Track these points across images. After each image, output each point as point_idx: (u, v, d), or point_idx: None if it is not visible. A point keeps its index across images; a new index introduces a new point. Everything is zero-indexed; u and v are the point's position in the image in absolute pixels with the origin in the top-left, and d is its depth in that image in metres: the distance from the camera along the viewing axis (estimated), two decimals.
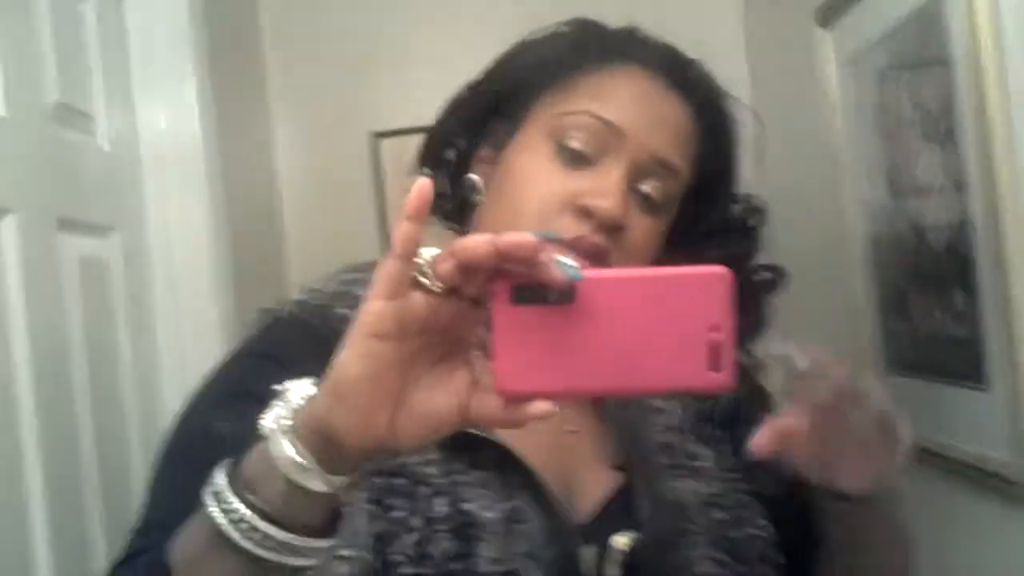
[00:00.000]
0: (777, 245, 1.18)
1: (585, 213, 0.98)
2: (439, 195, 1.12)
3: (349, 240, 2.05)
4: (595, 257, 0.97)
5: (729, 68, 1.15)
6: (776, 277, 1.15)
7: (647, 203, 1.03)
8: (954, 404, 1.41)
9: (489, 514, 0.92)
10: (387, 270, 0.67)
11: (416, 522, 0.91)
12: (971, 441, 1.37)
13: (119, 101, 1.70)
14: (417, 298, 0.67)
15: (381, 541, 0.90)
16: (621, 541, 0.96)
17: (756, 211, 1.15)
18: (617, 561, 0.96)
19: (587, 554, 0.95)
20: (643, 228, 1.02)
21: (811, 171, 1.84)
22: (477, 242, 0.65)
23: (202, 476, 0.78)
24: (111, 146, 1.66)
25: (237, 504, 0.72)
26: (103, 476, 1.51)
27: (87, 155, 1.59)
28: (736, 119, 1.12)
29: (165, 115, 1.77)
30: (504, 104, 1.08)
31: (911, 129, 1.45)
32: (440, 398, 0.69)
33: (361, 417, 0.68)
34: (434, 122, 1.15)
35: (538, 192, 1.00)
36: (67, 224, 1.47)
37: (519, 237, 0.65)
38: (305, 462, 0.70)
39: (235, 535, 0.72)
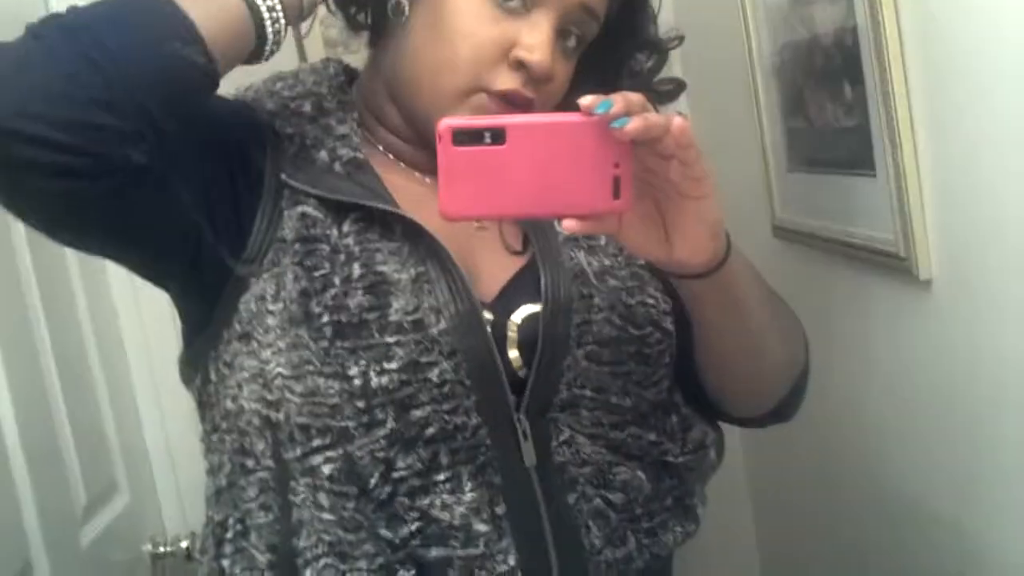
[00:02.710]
0: (686, 51, 1.25)
1: (519, 65, 1.04)
2: (352, 17, 1.17)
3: None
4: (524, 108, 1.05)
5: None
6: (675, 88, 1.24)
7: (568, 49, 1.10)
8: (848, 192, 1.51)
9: (399, 275, 1.03)
10: None
11: (335, 280, 1.02)
12: (863, 225, 1.47)
13: None
14: None
15: (304, 295, 1.02)
16: (524, 309, 1.07)
17: (663, 41, 1.21)
18: (516, 324, 1.06)
19: (489, 317, 1.05)
20: (563, 73, 1.10)
21: None
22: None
23: None
24: None
25: None
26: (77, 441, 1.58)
27: None
28: None
29: None
30: None
31: None
32: None
33: None
34: None
35: (475, 37, 1.05)
36: None
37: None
38: None
39: None
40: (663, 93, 1.23)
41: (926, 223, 1.31)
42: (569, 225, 0.87)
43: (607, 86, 0.95)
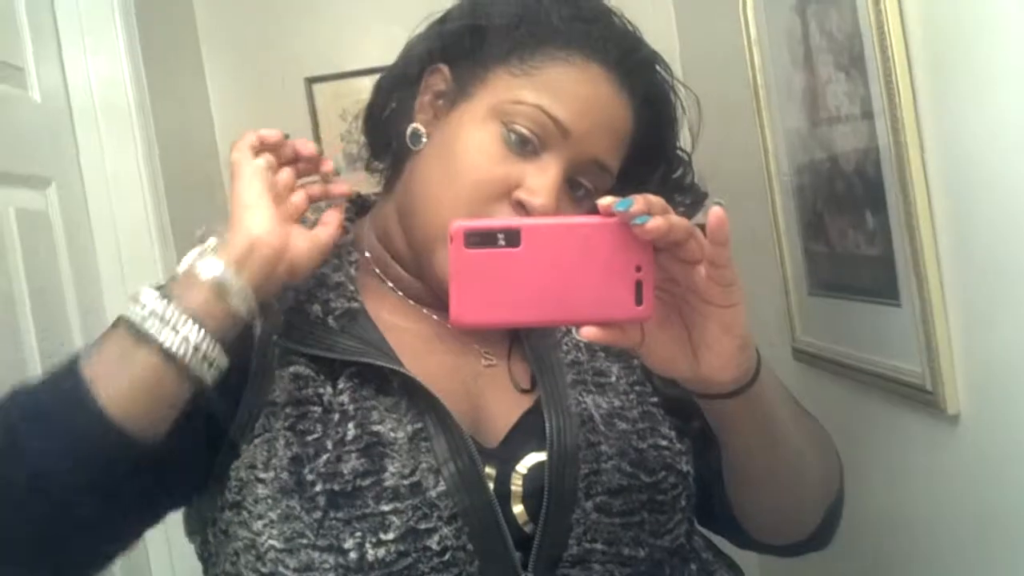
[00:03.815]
0: (704, 174, 1.23)
1: (519, 207, 1.01)
2: (376, 141, 1.16)
3: None
4: None
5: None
6: (697, 201, 1.19)
7: (576, 199, 1.07)
8: (871, 320, 1.48)
9: (396, 434, 0.98)
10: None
11: (328, 444, 0.98)
12: (887, 355, 1.44)
13: (49, 53, 1.71)
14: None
15: (296, 462, 0.97)
16: (528, 459, 1.01)
17: (687, 171, 1.19)
18: (521, 476, 1.01)
19: (491, 470, 1.00)
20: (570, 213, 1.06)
21: (735, 100, 1.89)
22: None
23: None
24: (43, 99, 1.67)
25: (158, 302, 0.87)
26: None
27: (19, 108, 1.60)
28: (672, 99, 1.15)
29: (95, 66, 1.78)
30: (458, 60, 1.08)
31: (823, 57, 1.50)
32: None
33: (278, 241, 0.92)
34: (386, 70, 1.15)
35: (481, 171, 1.02)
36: (2, 178, 1.49)
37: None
38: (230, 275, 0.89)
39: (152, 329, 0.85)
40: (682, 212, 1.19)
41: (953, 356, 1.27)
42: (588, 332, 0.82)
43: None
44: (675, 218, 0.81)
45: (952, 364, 1.27)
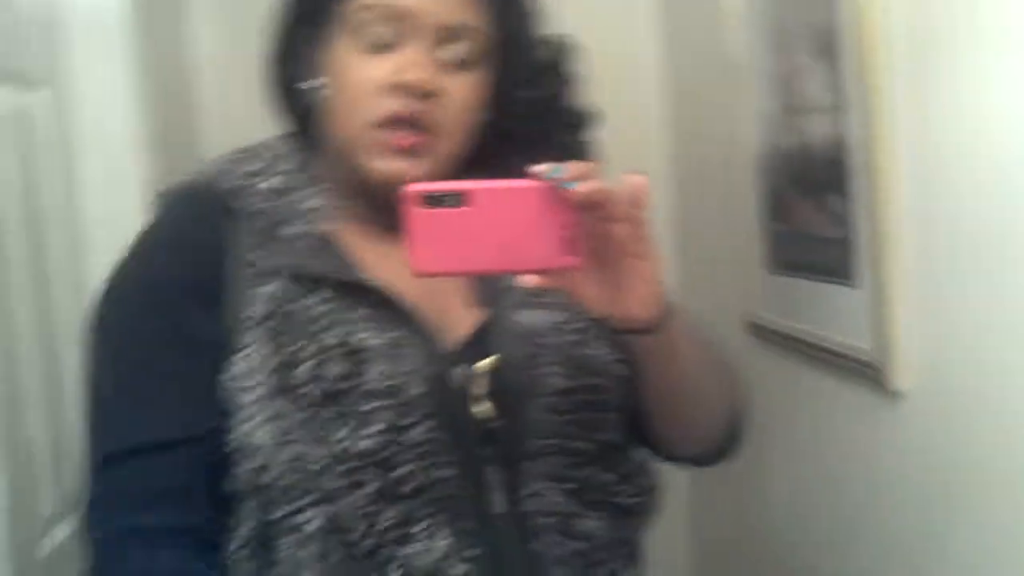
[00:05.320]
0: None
1: (397, 90, 1.10)
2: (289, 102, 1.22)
3: (264, 109, 2.09)
4: (413, 127, 1.10)
5: None
6: (583, 118, 1.28)
7: (454, 65, 1.13)
8: (827, 300, 1.55)
9: (375, 341, 1.08)
10: None
11: (311, 350, 1.07)
12: (840, 333, 1.51)
13: None
14: None
15: (282, 368, 1.07)
16: (483, 364, 1.11)
17: (561, 52, 1.26)
18: (481, 379, 1.11)
19: (457, 372, 1.10)
20: (457, 86, 1.13)
21: (712, 81, 1.95)
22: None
23: (160, 385, 1.10)
24: (31, 4, 1.69)
25: None
26: (36, 329, 1.60)
27: (9, 9, 1.62)
28: None
29: None
30: (317, 12, 1.16)
31: (799, 43, 1.56)
32: None
33: None
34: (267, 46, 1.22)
35: (356, 82, 1.11)
36: None
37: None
38: None
39: None
40: (567, 123, 1.27)
41: (901, 336, 1.35)
42: (527, 280, 0.97)
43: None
44: (598, 183, 0.94)
45: (900, 344, 1.35)
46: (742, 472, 1.48)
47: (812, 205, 1.57)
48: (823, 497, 1.65)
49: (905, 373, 1.36)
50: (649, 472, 1.23)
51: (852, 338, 1.46)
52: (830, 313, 1.54)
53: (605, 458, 1.16)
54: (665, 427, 1.21)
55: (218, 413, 1.09)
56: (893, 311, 1.35)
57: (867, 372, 1.42)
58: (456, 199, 0.94)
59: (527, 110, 1.22)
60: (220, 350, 1.09)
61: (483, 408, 1.11)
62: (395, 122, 1.10)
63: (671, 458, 1.27)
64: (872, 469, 1.49)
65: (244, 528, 1.09)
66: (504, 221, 0.94)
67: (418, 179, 1.06)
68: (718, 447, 1.26)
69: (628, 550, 1.19)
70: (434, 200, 0.94)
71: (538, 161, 0.94)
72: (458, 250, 0.94)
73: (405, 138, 1.10)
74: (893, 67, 1.31)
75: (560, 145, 1.24)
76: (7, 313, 1.52)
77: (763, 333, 1.82)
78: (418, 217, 0.94)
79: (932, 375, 1.31)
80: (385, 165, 1.11)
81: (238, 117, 2.10)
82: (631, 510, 1.19)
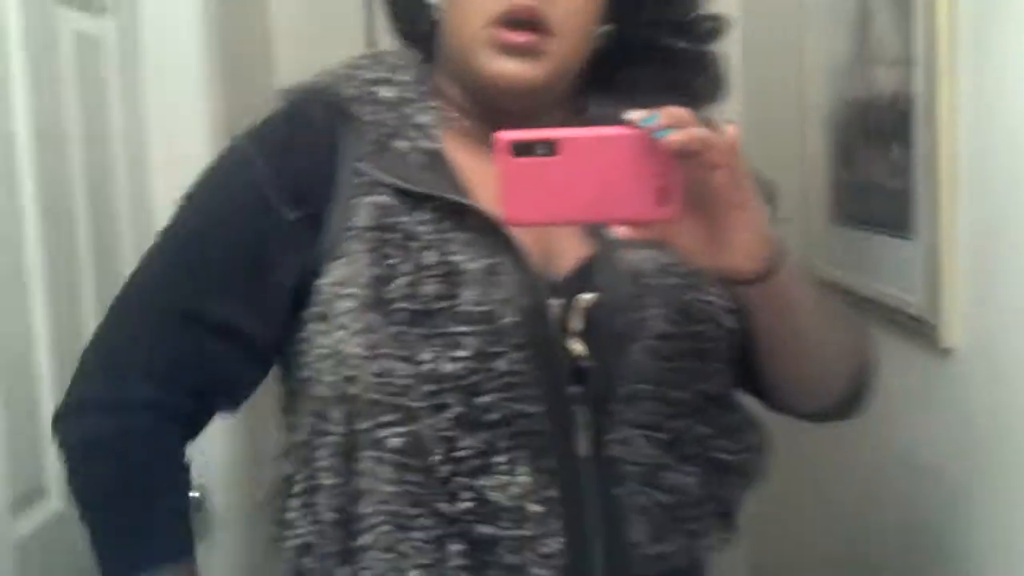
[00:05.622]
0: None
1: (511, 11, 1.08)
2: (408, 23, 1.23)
3: (336, 38, 2.09)
4: (531, 22, 1.08)
5: None
6: (709, 27, 1.22)
7: None
8: (883, 252, 1.52)
9: (472, 265, 1.07)
10: None
11: (408, 267, 1.06)
12: (895, 286, 1.48)
13: None
14: None
15: (378, 281, 1.06)
16: (584, 299, 1.10)
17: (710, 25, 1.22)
18: (579, 314, 1.09)
19: (555, 305, 1.09)
20: None
21: (783, 27, 1.91)
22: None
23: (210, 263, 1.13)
24: None
25: None
26: (96, 245, 1.61)
27: None
28: None
29: None
30: None
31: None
32: None
33: None
34: None
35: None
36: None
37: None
38: None
39: None
40: (705, 35, 1.23)
41: (955, 292, 1.31)
42: (621, 231, 0.93)
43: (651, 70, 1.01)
44: (694, 130, 0.89)
45: (952, 300, 1.32)
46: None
47: (875, 155, 1.53)
48: (873, 452, 1.63)
49: (956, 331, 1.32)
50: (755, 429, 1.19)
51: (905, 292, 1.43)
52: (886, 266, 1.52)
53: (704, 410, 1.13)
54: (780, 381, 1.17)
55: (264, 319, 1.11)
56: (946, 265, 1.32)
57: (918, 328, 1.40)
58: (547, 148, 0.90)
59: (648, 18, 1.18)
60: (304, 253, 1.09)
61: (577, 345, 1.09)
62: (512, 20, 1.08)
63: (788, 412, 1.23)
64: (917, 424, 1.47)
65: (331, 437, 1.09)
66: (597, 171, 0.90)
67: (535, 81, 1.08)
68: (839, 404, 1.22)
69: (720, 509, 1.16)
70: (525, 149, 0.91)
71: (659, 80, 0.91)
72: (550, 200, 0.91)
73: (521, 35, 1.08)
74: (959, 25, 1.27)
75: (684, 59, 1.21)
76: (69, 236, 1.54)
77: (822, 285, 1.79)
78: (509, 166, 0.91)
79: (983, 334, 1.28)
80: (501, 65, 1.09)
81: (314, 43, 2.15)
82: (729, 467, 1.15)
